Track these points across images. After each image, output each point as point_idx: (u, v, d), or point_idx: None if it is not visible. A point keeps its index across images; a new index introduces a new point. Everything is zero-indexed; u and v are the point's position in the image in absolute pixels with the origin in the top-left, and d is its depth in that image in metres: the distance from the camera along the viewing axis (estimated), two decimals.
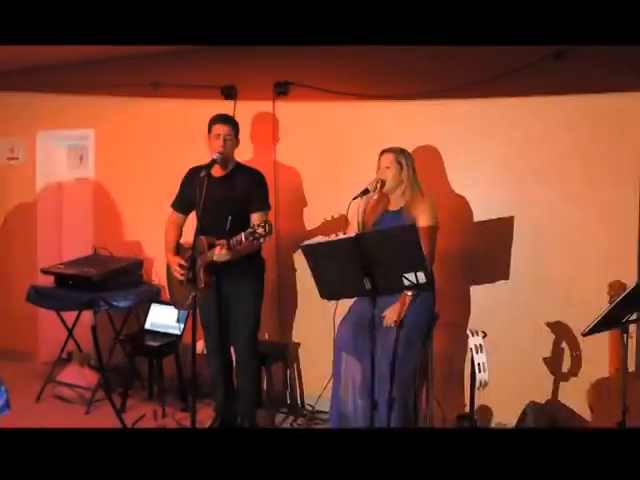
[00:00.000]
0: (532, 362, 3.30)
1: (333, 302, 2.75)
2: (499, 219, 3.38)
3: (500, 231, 3.39)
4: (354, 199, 2.98)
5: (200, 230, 2.93)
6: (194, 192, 3.13)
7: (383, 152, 3.05)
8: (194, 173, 3.29)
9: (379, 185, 3.01)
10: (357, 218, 3.08)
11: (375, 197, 3.12)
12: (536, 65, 3.16)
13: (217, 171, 3.26)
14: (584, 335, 2.50)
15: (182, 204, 3.42)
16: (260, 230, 2.81)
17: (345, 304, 3.08)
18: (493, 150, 3.39)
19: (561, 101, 3.22)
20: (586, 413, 3.11)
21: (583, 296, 3.13)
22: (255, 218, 3.17)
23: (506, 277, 3.38)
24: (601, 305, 2.64)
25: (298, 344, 3.96)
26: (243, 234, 2.88)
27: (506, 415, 3.31)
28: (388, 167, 3.00)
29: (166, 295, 3.89)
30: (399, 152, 3.02)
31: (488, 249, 3.43)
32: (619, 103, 3.10)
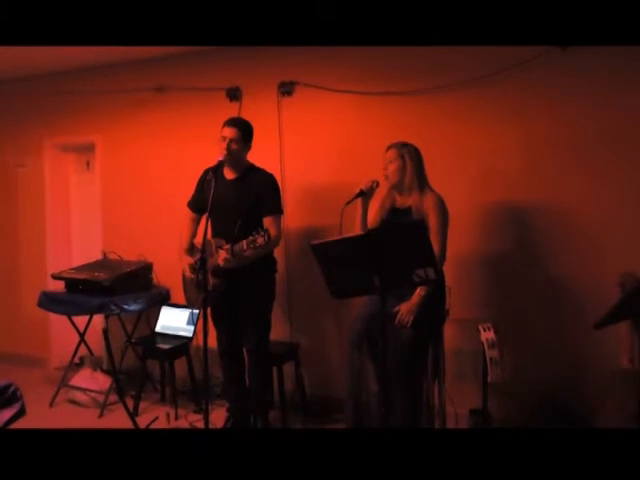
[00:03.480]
0: (544, 357, 3.29)
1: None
2: (510, 214, 3.38)
3: (511, 225, 3.38)
4: (347, 204, 2.94)
5: (211, 232, 2.93)
6: (206, 193, 3.15)
7: (388, 147, 3.05)
8: (208, 173, 3.30)
9: (375, 185, 2.99)
10: (358, 221, 3.03)
11: (377, 195, 3.06)
12: (542, 57, 3.16)
13: (229, 173, 3.27)
14: (596, 328, 2.49)
15: (196, 204, 3.45)
16: (259, 240, 2.83)
17: (355, 301, 3.08)
18: (501, 145, 3.38)
19: (569, 92, 3.21)
20: (601, 405, 3.09)
21: (596, 287, 3.12)
22: (267, 222, 3.18)
23: (517, 271, 3.38)
24: (614, 297, 2.62)
25: (309, 343, 3.96)
26: (244, 242, 2.91)
27: (519, 410, 3.30)
28: (391, 161, 2.99)
29: (176, 298, 3.90)
30: (402, 146, 3.00)
31: (498, 244, 3.43)
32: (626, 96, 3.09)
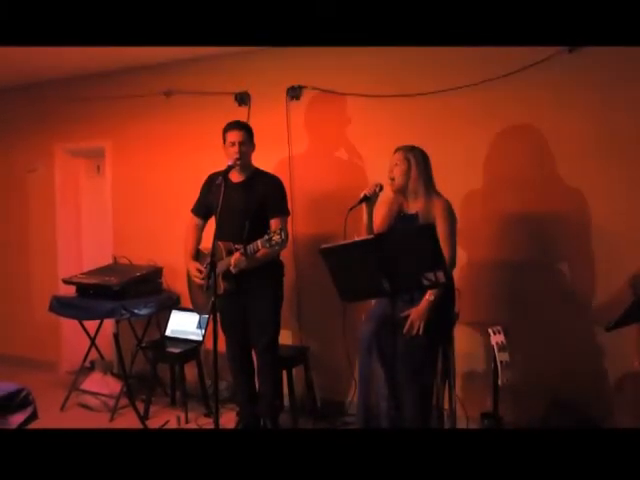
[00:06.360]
0: (555, 359, 3.28)
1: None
2: (522, 218, 3.37)
3: (522, 229, 3.37)
4: (351, 209, 2.87)
5: (218, 236, 2.94)
6: (213, 198, 3.16)
7: (395, 150, 3.02)
8: (213, 179, 3.33)
9: (378, 189, 2.94)
10: (363, 226, 2.97)
11: (383, 200, 3.02)
12: (552, 59, 3.15)
13: (235, 177, 3.28)
14: (608, 330, 2.48)
15: (201, 209, 3.45)
16: (276, 237, 2.82)
17: (364, 305, 3.08)
18: (512, 147, 3.37)
19: (577, 94, 3.20)
20: (612, 406, 3.07)
21: (608, 289, 3.11)
22: (274, 224, 3.18)
23: (528, 274, 3.36)
24: (626, 299, 2.61)
25: (319, 347, 3.96)
26: (259, 241, 2.91)
27: (530, 413, 3.28)
28: (397, 164, 2.95)
29: (186, 302, 3.91)
30: (409, 149, 2.97)
31: (509, 248, 3.42)
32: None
